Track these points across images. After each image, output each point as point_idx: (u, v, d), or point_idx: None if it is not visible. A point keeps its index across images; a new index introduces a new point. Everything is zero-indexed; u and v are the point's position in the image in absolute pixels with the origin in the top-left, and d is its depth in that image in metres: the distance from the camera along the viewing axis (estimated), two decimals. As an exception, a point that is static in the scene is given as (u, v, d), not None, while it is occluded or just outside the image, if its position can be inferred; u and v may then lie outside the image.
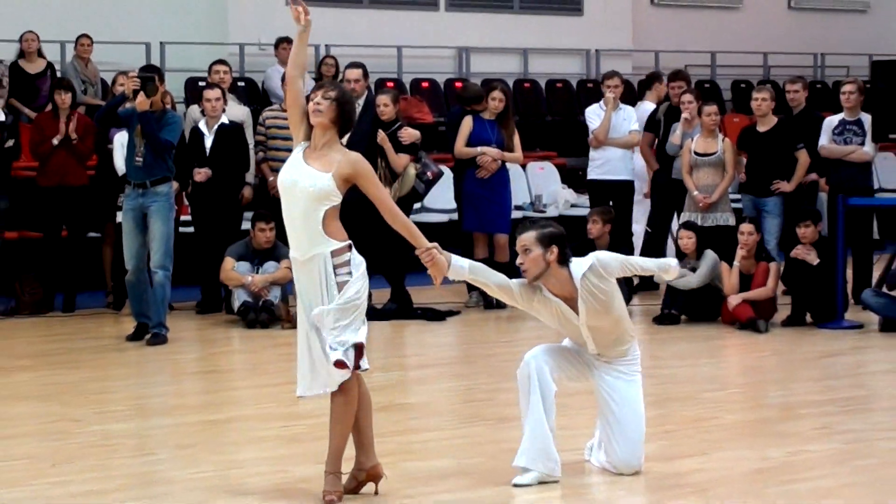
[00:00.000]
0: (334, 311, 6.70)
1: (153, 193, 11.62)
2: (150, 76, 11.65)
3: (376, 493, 6.89)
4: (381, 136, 12.87)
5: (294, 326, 12.21)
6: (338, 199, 6.75)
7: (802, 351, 11.43)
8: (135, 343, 11.70)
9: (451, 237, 14.46)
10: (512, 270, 13.40)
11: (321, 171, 6.74)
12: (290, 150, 14.79)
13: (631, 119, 14.75)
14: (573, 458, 7.53)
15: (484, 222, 13.75)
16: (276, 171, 13.82)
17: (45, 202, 13.54)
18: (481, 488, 6.99)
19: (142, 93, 11.50)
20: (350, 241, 6.78)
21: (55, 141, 13.39)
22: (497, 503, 6.81)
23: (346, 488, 6.86)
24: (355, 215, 13.17)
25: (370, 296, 13.07)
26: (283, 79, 14.52)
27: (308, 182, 6.72)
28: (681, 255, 12.86)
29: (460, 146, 13.70)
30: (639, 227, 14.93)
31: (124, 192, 11.86)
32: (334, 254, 6.71)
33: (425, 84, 18.66)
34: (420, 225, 15.16)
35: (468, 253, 12.92)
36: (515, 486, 7.00)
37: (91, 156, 13.74)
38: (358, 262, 6.77)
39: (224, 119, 13.44)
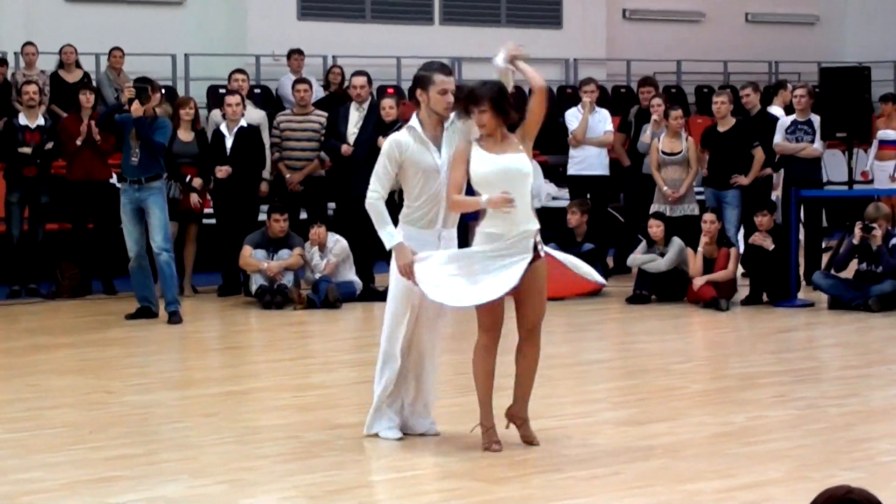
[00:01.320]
0: None
1: (147, 188, 11.60)
2: (144, 87, 11.59)
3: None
4: (381, 141, 12.79)
5: (306, 307, 12.28)
6: None
7: (760, 327, 11.40)
8: (162, 322, 11.65)
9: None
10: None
11: (520, 153, 6.84)
12: (302, 150, 14.79)
13: (606, 121, 14.69)
14: (554, 424, 7.50)
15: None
16: (291, 168, 13.80)
17: (73, 196, 13.48)
18: (474, 449, 6.95)
19: (136, 101, 11.46)
20: None
21: (78, 142, 13.30)
22: (487, 465, 6.78)
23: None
24: (362, 209, 13.25)
25: (373, 279, 13.20)
26: (293, 86, 14.53)
27: (524, 167, 6.84)
28: (650, 242, 12.85)
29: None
30: None
31: (121, 189, 11.79)
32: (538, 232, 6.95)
33: (422, 90, 18.59)
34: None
35: (465, 241, 12.84)
36: (385, 438, 7.11)
37: (113, 153, 13.67)
38: None
39: (243, 122, 13.41)
